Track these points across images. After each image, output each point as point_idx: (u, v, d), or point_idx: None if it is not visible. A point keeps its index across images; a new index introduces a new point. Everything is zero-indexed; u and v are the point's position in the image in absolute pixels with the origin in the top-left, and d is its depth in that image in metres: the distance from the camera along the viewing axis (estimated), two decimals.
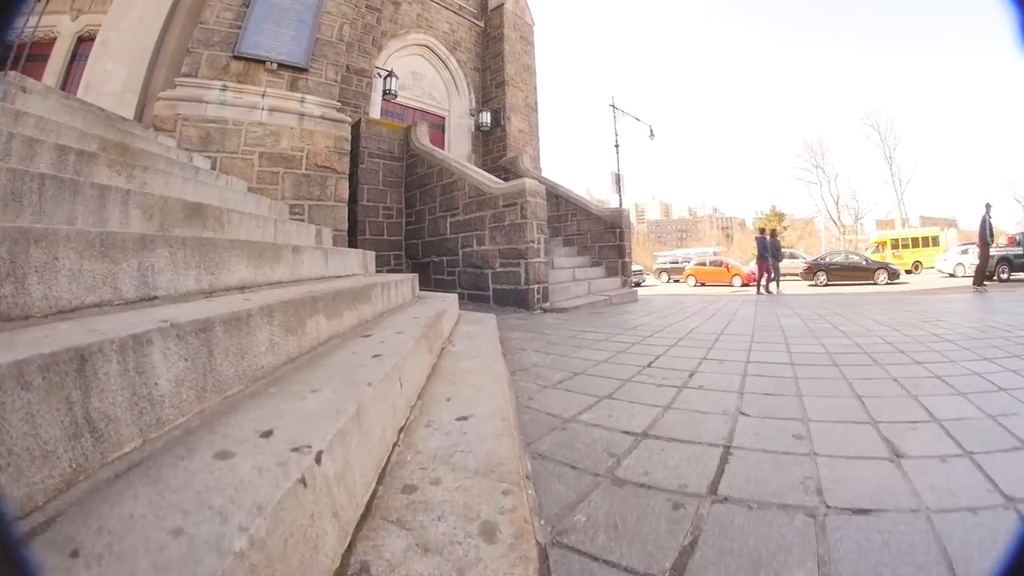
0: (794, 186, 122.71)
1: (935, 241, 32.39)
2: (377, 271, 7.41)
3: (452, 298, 4.08)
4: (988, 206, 13.62)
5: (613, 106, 19.11)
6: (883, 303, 7.83)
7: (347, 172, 6.51)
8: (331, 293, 2.01)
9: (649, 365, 2.98)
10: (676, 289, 20.15)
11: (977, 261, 13.68)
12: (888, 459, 1.52)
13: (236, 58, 5.97)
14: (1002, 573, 0.56)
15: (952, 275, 23.36)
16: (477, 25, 13.26)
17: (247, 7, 5.96)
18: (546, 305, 6.28)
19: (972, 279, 12.86)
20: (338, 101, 8.55)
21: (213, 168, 5.14)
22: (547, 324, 4.78)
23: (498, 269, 6.60)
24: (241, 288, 1.91)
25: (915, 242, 32.34)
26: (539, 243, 6.64)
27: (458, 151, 11.88)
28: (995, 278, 18.13)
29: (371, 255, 4.21)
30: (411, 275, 4.16)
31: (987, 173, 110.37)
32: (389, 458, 1.29)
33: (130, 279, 1.29)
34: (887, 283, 19.46)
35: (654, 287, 24.84)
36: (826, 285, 19.95)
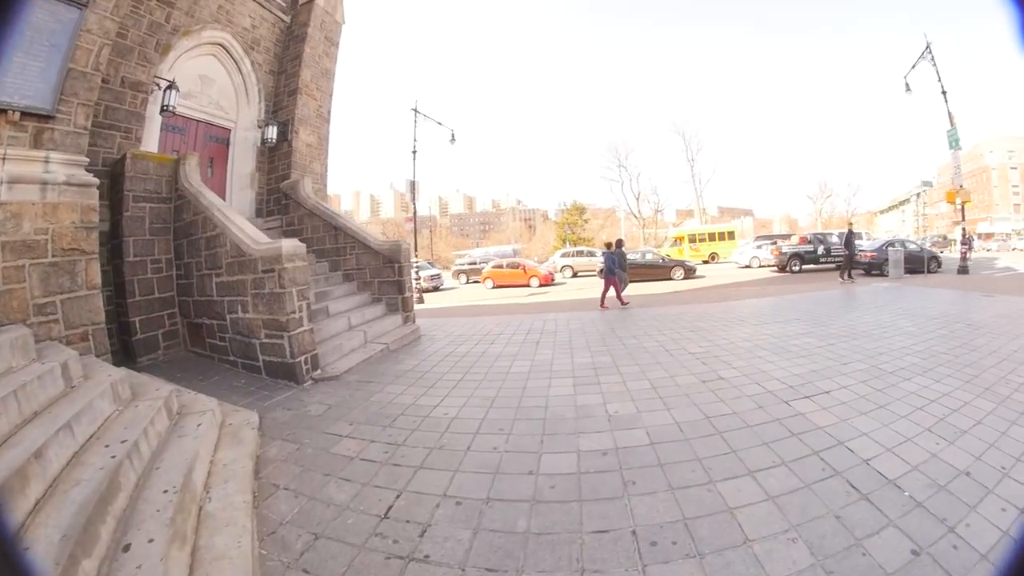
0: (596, 179, 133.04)
1: (731, 235, 38.28)
2: (149, 335, 7.35)
3: (206, 420, 4.19)
4: (851, 223, 21.04)
5: (415, 110, 19.30)
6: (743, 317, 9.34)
7: (96, 251, 5.74)
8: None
9: (386, 515, 3.13)
10: (474, 296, 20.92)
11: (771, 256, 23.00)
12: None
13: None
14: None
15: (748, 266, 27.81)
16: (283, 21, 12.22)
17: None
18: (317, 374, 6.42)
19: (840, 274, 17.59)
20: (106, 127, 7.57)
21: None
22: (309, 418, 5.01)
23: (264, 340, 6.46)
24: None
25: (712, 236, 37.92)
26: (301, 311, 6.50)
27: (242, 169, 11.16)
28: (787, 270, 22.59)
29: (119, 375, 4.17)
30: (163, 393, 4.26)
31: (783, 170, 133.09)
32: None
33: None
34: (683, 279, 22.24)
35: (453, 290, 25.58)
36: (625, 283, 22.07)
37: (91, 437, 3.33)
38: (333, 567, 2.66)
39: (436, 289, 25.31)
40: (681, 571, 2.54)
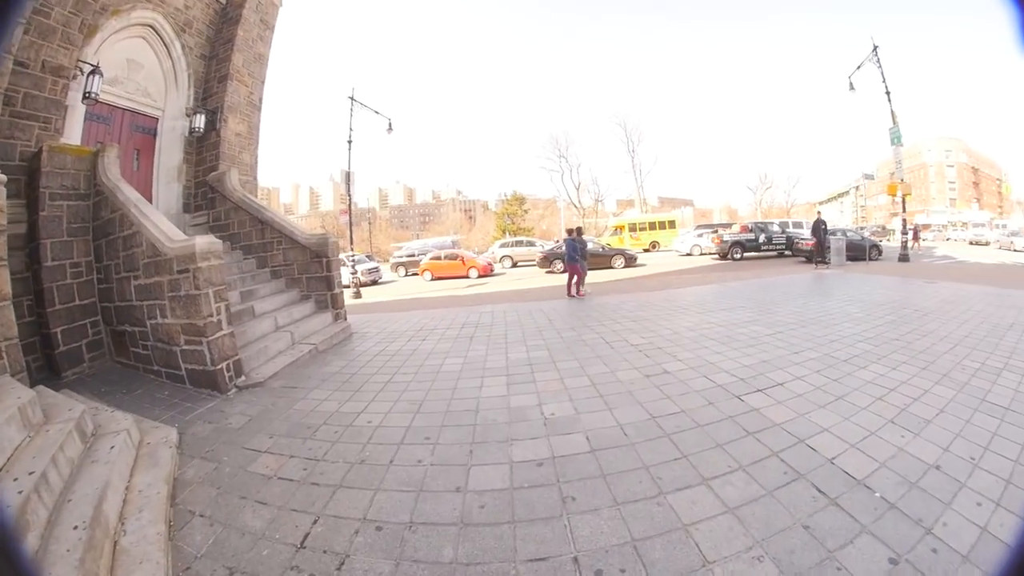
0: (537, 170, 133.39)
1: (672, 224, 39.42)
2: (72, 347, 7.07)
3: (120, 441, 4.16)
4: (819, 212, 22.69)
5: (352, 99, 19.01)
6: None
7: (5, 257, 5.20)
8: None
9: (302, 545, 3.02)
10: (413, 288, 20.96)
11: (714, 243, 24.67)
12: None
13: None
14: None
15: (689, 255, 28.74)
16: (218, 2, 11.66)
17: None
18: (241, 380, 6.34)
19: (815, 264, 18.41)
20: (24, 116, 7.14)
21: None
22: (229, 431, 4.99)
23: (184, 347, 6.27)
24: None
25: (652, 225, 38.92)
26: (219, 314, 6.30)
27: (169, 161, 10.76)
28: (729, 258, 23.60)
29: (28, 397, 4.06)
30: (75, 414, 4.20)
31: (723, 161, 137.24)
32: None
33: None
34: (624, 267, 22.97)
35: (391, 284, 25.33)
36: (563, 272, 22.18)
37: None
38: None
39: (374, 283, 25.36)
40: None
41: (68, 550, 2.72)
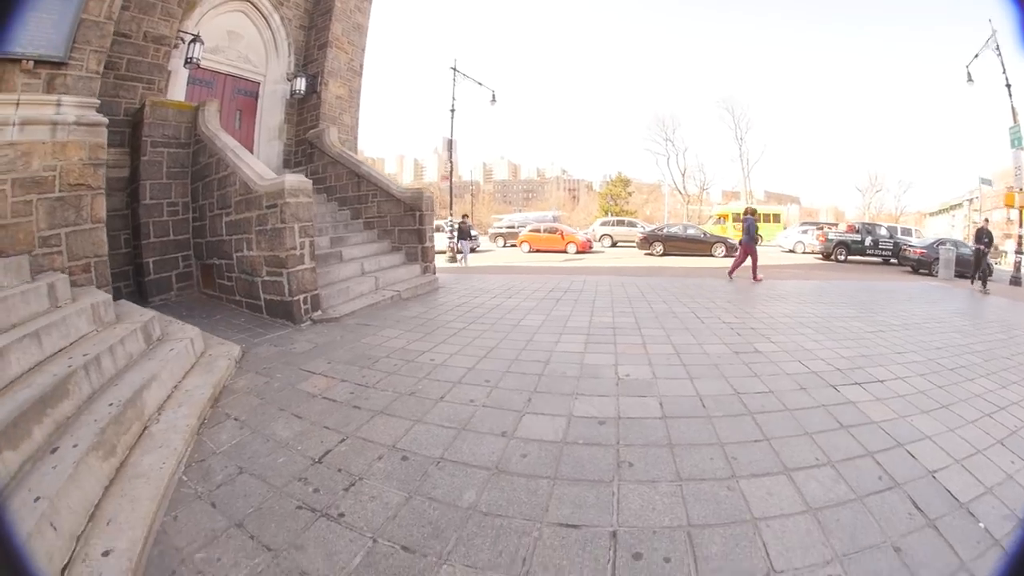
0: (642, 153, 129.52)
1: (776, 218, 36.99)
2: (162, 276, 7.58)
3: (181, 347, 4.31)
4: (986, 220, 17.39)
5: (455, 69, 19.13)
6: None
7: (103, 187, 5.83)
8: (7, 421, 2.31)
9: (319, 460, 2.90)
10: (509, 258, 20.84)
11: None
12: None
13: None
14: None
15: (792, 251, 26.95)
16: None
17: None
18: (317, 315, 6.49)
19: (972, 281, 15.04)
20: (128, 79, 7.74)
21: None
22: (292, 354, 5.06)
23: (265, 278, 6.55)
24: None
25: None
26: (303, 248, 6.49)
27: (270, 121, 11.39)
28: (832, 258, 22.06)
29: (103, 299, 4.37)
30: (144, 318, 4.46)
31: (833, 160, 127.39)
32: None
33: None
34: (724, 256, 21.52)
35: (489, 252, 25.39)
36: (663, 255, 21.56)
37: (60, 351, 3.49)
38: (240, 507, 2.46)
39: (472, 251, 25.36)
40: None
41: (96, 420, 2.83)
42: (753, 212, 13.45)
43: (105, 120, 6.03)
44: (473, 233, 26.50)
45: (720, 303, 8.43)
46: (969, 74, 18.69)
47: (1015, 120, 16.63)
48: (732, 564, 2.06)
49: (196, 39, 9.02)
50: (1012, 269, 17.09)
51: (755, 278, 12.27)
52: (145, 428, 3.14)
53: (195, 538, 2.20)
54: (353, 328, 6.21)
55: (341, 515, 2.37)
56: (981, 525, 2.45)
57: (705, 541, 2.20)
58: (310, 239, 6.68)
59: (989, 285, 13.51)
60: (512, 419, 3.46)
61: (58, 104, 5.54)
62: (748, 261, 12.59)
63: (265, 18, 11.11)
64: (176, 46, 8.76)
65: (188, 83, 9.35)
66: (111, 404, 3.03)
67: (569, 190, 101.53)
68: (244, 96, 10.98)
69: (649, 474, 2.77)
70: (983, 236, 14.73)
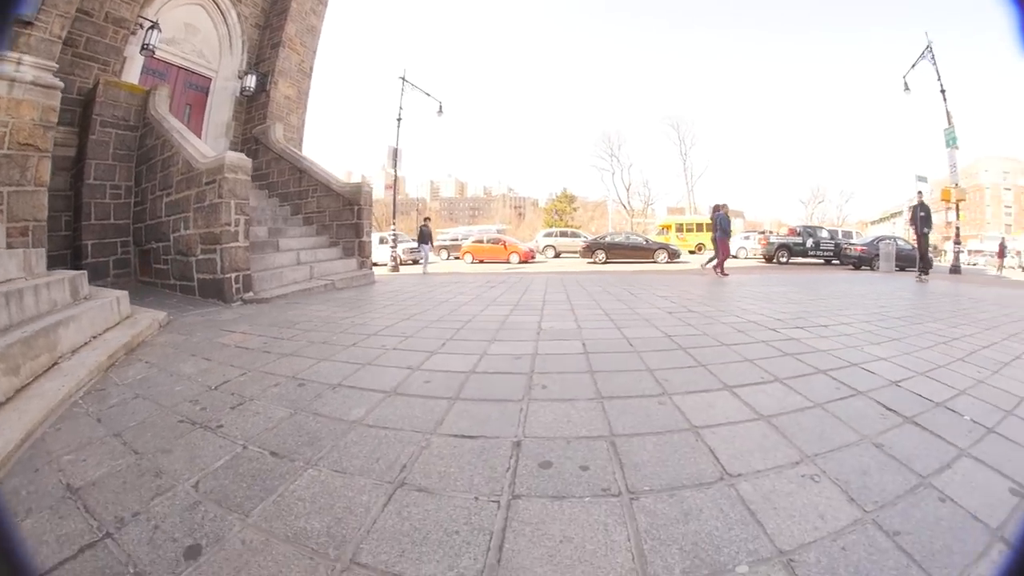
0: (588, 171, 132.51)
1: None
2: (100, 260, 7.74)
3: (106, 303, 4.51)
4: (920, 193, 15.96)
5: (403, 79, 19.38)
6: None
7: (50, 150, 6.03)
8: None
9: (216, 388, 2.97)
10: (452, 268, 20.85)
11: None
12: None
13: None
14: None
15: (735, 256, 27.86)
16: None
17: None
18: (248, 295, 6.62)
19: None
20: (85, 58, 7.89)
21: None
22: (217, 321, 5.27)
23: (199, 256, 6.68)
24: None
25: (699, 227, 37.49)
26: (237, 225, 6.62)
27: (219, 117, 11.58)
28: (775, 261, 22.61)
29: (34, 253, 4.51)
30: (72, 274, 4.61)
31: (775, 173, 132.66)
32: None
33: None
34: (667, 262, 22.14)
35: (432, 264, 25.57)
36: (606, 263, 21.91)
37: None
38: (123, 422, 2.52)
39: (415, 263, 25.38)
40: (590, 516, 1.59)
41: (7, 344, 3.01)
42: (723, 207, 13.12)
43: (60, 84, 6.21)
44: (414, 244, 26.36)
45: (657, 288, 8.62)
46: (906, 83, 19.92)
47: (950, 122, 18.00)
48: (671, 471, 1.87)
49: (155, 26, 9.24)
50: (952, 259, 18.12)
51: (721, 272, 12.35)
52: (56, 363, 3.33)
53: (70, 445, 2.26)
54: (282, 306, 6.38)
55: (220, 426, 2.40)
56: (967, 417, 2.45)
57: (632, 449, 2.04)
58: (245, 217, 6.83)
59: (930, 273, 13.52)
60: (420, 358, 3.49)
61: (19, 62, 5.71)
62: (725, 255, 12.69)
63: (223, 14, 11.36)
64: (135, 31, 8.97)
65: (142, 72, 9.53)
66: (24, 332, 3.21)
67: (515, 207, 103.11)
68: (195, 91, 11.19)
69: (565, 394, 2.68)
70: (919, 211, 13.65)
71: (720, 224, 12.56)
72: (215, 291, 6.56)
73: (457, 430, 2.26)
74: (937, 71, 18.39)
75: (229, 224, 6.59)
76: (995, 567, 1.26)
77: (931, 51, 18.62)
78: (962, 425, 2.34)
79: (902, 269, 17.91)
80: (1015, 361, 3.66)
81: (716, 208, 13.32)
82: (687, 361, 3.29)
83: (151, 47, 9.26)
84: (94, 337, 4.07)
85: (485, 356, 3.47)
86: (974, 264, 38.91)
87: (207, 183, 6.68)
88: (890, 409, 2.49)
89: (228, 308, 6.20)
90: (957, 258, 17.90)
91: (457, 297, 7.09)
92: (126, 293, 5.12)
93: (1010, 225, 71.40)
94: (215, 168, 6.62)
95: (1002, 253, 27.08)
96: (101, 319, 4.34)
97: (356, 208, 10.14)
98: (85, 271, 5.02)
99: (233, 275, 6.57)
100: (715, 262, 12.67)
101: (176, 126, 7.76)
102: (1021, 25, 0.63)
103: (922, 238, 13.53)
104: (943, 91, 18.17)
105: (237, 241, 6.68)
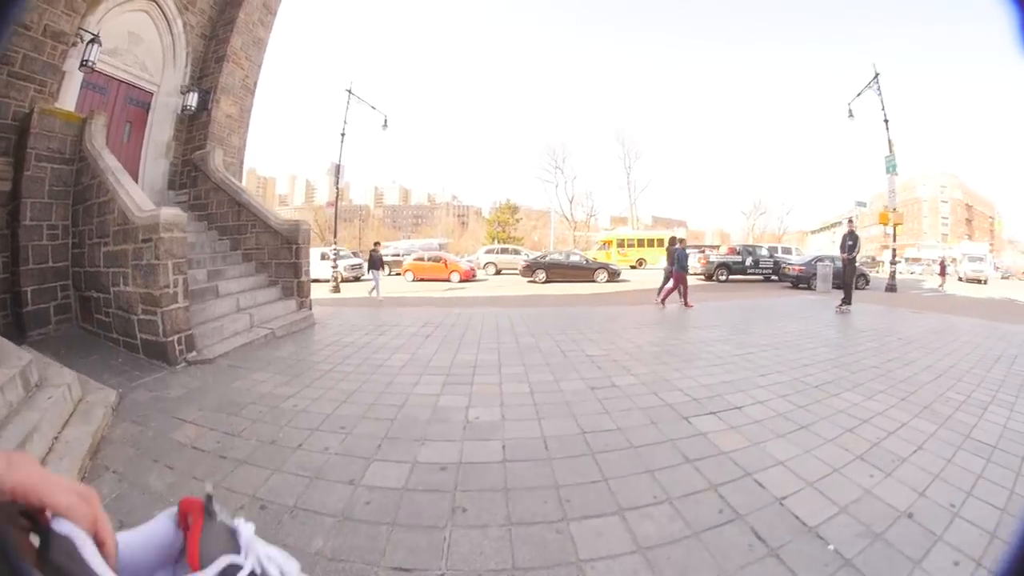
0: (532, 181, 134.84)
1: (661, 243, 39.69)
2: (41, 307, 7.47)
3: (59, 394, 4.56)
4: (851, 220, 16.25)
5: (349, 91, 19.37)
6: None
7: None
8: None
9: None
10: (393, 287, 20.80)
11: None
12: None
13: None
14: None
15: None
16: None
17: None
18: (192, 355, 6.67)
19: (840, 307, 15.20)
20: (21, 78, 7.44)
21: None
22: (165, 400, 5.35)
23: (141, 316, 6.59)
24: None
25: (641, 242, 38.74)
26: (176, 287, 6.56)
27: (159, 136, 11.19)
28: (714, 279, 23.59)
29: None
30: (22, 363, 4.58)
31: (719, 185, 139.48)
32: None
33: None
34: (607, 281, 23.00)
35: (372, 282, 25.59)
36: (546, 283, 22.62)
37: None
38: None
39: (356, 279, 25.44)
40: None
41: None
42: (681, 241, 13.97)
43: None
44: (357, 261, 25.99)
45: (591, 331, 8.37)
46: (850, 111, 21.73)
47: (891, 150, 19.82)
48: None
49: (95, 39, 8.77)
50: (888, 278, 19.86)
51: (686, 304, 13.05)
52: None
53: None
54: (225, 371, 6.47)
55: None
56: (831, 547, 2.54)
57: None
58: (183, 276, 6.79)
59: (855, 299, 13.78)
60: (360, 467, 3.77)
61: None
62: (673, 287, 13.48)
63: (168, 22, 10.91)
64: (75, 44, 8.49)
65: (81, 87, 9.10)
66: None
67: (459, 216, 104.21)
68: (136, 107, 10.79)
69: (480, 519, 2.96)
70: (847, 240, 13.79)
71: (678, 259, 13.25)
72: (159, 353, 6.52)
73: (398, 562, 2.57)
74: (882, 101, 20.15)
75: (168, 286, 6.52)
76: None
77: (877, 82, 20.19)
78: (822, 556, 2.49)
79: (839, 287, 19.42)
80: (914, 455, 3.79)
81: (673, 241, 14.14)
82: (592, 474, 3.53)
83: (91, 63, 8.82)
84: (55, 439, 4.14)
85: (416, 466, 3.79)
86: (912, 272, 42.07)
87: (143, 240, 6.53)
88: (760, 538, 2.64)
89: (173, 374, 6.26)
90: (893, 277, 19.48)
91: (392, 358, 7.29)
92: (75, 376, 5.15)
93: (946, 235, 78.74)
94: (151, 226, 6.48)
95: (943, 271, 29.12)
96: (58, 415, 4.40)
97: (295, 247, 10.07)
98: (33, 356, 4.97)
99: (175, 337, 6.54)
100: (669, 293, 13.47)
101: (112, 165, 7.47)
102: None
103: (848, 265, 13.77)
104: (886, 120, 19.91)
105: (177, 303, 6.63)
